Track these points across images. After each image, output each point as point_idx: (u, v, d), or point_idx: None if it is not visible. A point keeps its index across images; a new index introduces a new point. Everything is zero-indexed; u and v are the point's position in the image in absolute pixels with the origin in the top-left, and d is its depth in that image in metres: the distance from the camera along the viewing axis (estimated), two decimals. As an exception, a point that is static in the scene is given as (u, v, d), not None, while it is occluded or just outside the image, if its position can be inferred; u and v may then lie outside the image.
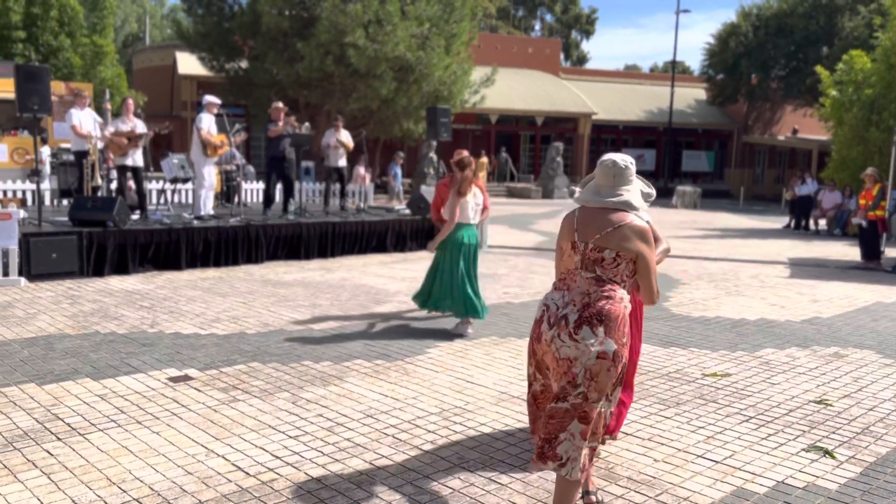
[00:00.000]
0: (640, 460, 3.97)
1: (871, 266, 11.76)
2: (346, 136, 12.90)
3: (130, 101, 10.35)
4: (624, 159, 3.16)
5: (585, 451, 3.06)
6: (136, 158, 10.29)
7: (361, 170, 20.22)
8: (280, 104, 11.69)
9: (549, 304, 3.12)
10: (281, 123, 11.36)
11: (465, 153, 6.61)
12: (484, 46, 32.54)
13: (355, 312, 7.38)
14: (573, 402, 3.00)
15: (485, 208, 6.74)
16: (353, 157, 15.31)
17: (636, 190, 3.18)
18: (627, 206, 3.09)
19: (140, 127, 10.21)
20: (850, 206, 17.74)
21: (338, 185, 13.37)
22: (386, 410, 4.61)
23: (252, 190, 16.10)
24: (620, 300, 3.05)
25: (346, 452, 3.95)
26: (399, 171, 20.70)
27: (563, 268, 3.22)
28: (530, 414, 3.36)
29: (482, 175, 25.38)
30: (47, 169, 13.66)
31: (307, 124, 12.70)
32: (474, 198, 6.53)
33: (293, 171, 11.82)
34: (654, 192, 3.34)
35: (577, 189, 3.34)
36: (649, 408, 4.79)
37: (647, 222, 3.21)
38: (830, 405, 4.95)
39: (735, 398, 5.05)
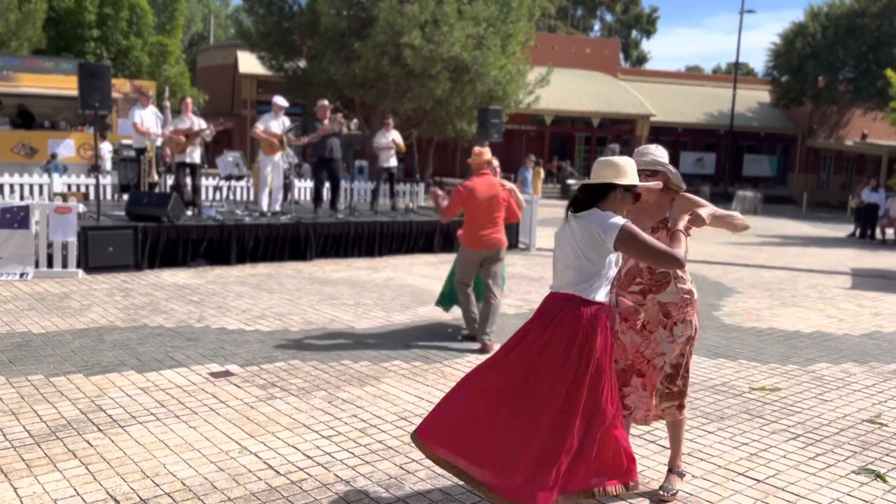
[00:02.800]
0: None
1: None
2: (397, 137, 12.95)
3: (189, 100, 10.64)
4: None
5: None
6: (194, 155, 10.60)
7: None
8: (325, 102, 11.75)
9: None
10: (327, 122, 11.45)
11: (484, 150, 6.48)
12: (541, 46, 32.27)
13: (398, 312, 7.39)
14: None
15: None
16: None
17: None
18: None
19: (197, 124, 10.47)
20: (921, 216, 16.98)
21: (387, 185, 13.43)
22: (420, 413, 4.58)
23: (306, 188, 16.32)
24: None
25: (378, 455, 3.93)
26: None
27: None
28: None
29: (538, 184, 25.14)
30: (108, 164, 14.11)
31: (355, 121, 12.77)
32: None
33: (340, 169, 11.91)
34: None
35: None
36: (691, 421, 4.64)
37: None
38: (885, 425, 4.72)
39: (783, 414, 4.85)
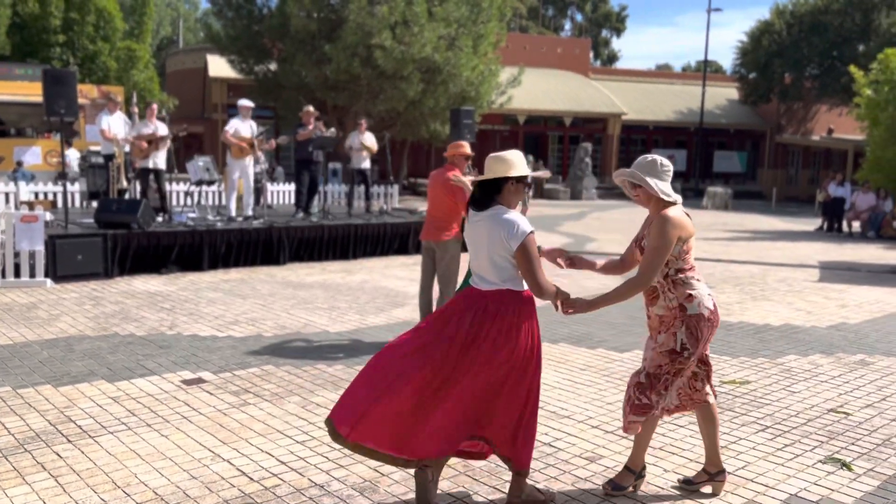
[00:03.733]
0: (650, 470, 3.89)
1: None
2: (370, 139, 12.93)
3: (154, 106, 10.56)
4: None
5: None
6: (158, 161, 10.50)
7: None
8: (311, 108, 11.80)
9: (711, 294, 3.50)
10: (311, 127, 11.45)
11: (461, 143, 6.32)
12: (512, 47, 32.41)
13: (372, 315, 7.38)
14: None
15: None
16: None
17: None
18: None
19: (161, 130, 10.39)
20: (885, 209, 17.33)
21: (362, 187, 13.43)
22: (395, 416, 4.58)
23: (278, 192, 16.24)
24: None
25: (352, 458, 3.93)
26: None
27: (690, 259, 3.45)
28: (658, 398, 3.45)
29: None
30: (75, 171, 13.93)
31: (332, 129, 12.78)
32: None
33: (320, 173, 11.91)
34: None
35: (663, 185, 3.43)
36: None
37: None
38: (848, 414, 4.82)
39: (752, 407, 4.93)
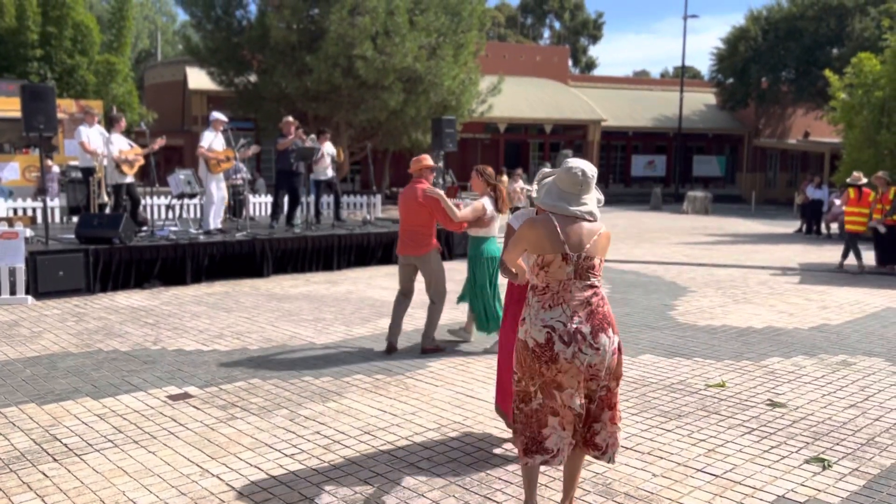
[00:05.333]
0: (638, 475, 3.92)
1: (885, 271, 11.61)
2: (330, 149, 12.77)
3: (123, 121, 10.62)
4: (592, 169, 3.28)
5: (619, 434, 3.37)
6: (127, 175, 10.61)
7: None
8: (290, 118, 11.77)
9: (554, 325, 3.13)
10: (291, 137, 11.42)
11: (422, 157, 6.36)
12: (492, 56, 32.58)
13: (358, 326, 7.37)
14: (600, 396, 3.27)
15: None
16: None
17: (594, 198, 3.33)
18: (594, 217, 3.28)
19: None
20: (862, 210, 17.54)
21: (324, 198, 13.33)
22: (384, 427, 4.58)
23: (261, 203, 16.18)
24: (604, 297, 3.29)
25: (341, 470, 3.92)
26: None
27: (548, 279, 3.18)
28: (520, 424, 3.29)
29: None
30: (55, 187, 13.81)
31: (313, 136, 12.72)
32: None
33: (301, 184, 11.86)
34: (602, 197, 3.44)
35: (534, 188, 3.57)
36: (650, 420, 4.74)
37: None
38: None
39: (738, 410, 4.98)
